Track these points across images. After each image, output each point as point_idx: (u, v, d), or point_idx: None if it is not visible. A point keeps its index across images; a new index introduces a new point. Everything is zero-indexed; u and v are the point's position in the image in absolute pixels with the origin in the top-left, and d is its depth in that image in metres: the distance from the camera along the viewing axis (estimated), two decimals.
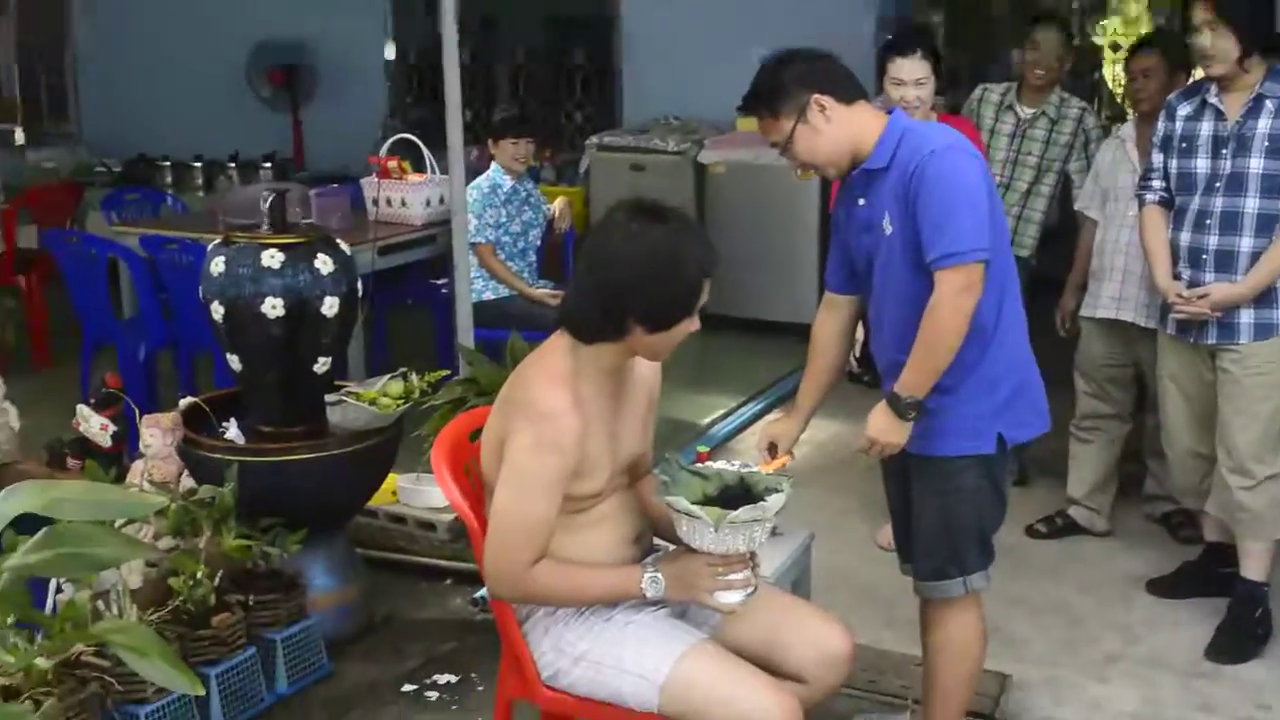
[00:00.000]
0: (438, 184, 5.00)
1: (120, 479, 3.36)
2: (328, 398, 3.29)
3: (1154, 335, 3.60)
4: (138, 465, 3.29)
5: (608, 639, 2.25)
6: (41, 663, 2.53)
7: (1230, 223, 3.18)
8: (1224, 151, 3.20)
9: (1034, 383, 2.62)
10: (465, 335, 4.05)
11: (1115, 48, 9.86)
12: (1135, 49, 4.33)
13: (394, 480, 3.79)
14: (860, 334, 2.83)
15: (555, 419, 2.14)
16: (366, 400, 3.30)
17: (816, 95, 2.43)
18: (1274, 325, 3.19)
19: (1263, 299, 3.18)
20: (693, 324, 2.22)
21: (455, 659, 3.21)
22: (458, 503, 2.40)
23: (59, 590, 2.85)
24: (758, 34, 5.41)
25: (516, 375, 2.31)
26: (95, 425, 3.59)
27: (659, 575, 2.21)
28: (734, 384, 5.45)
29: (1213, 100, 3.23)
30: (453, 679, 3.17)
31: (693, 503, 2.22)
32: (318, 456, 3.21)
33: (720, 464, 2.38)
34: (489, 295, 4.85)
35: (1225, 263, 3.19)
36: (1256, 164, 3.14)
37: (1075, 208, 4.23)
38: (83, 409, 3.64)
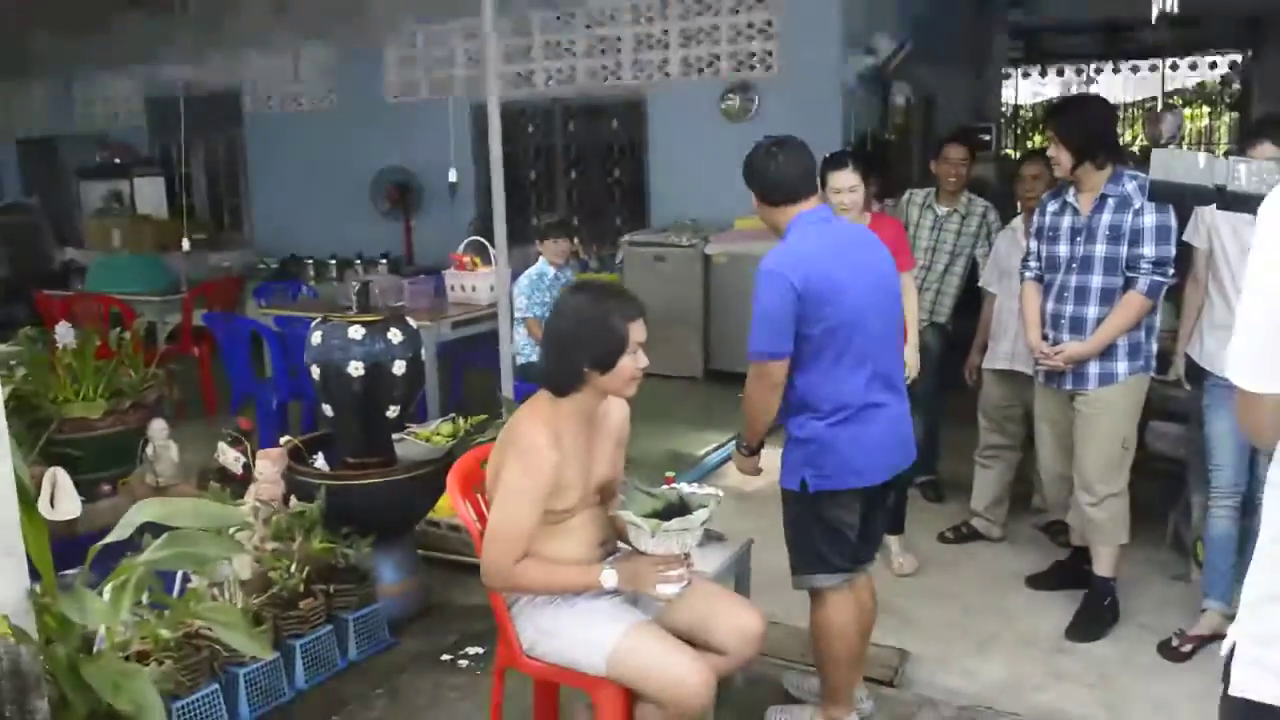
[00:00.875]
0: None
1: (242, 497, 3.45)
2: (395, 436, 3.34)
3: None
4: (253, 488, 3.38)
5: (572, 619, 2.27)
6: (164, 633, 2.63)
7: (1081, 295, 3.17)
8: (1078, 239, 3.18)
9: (844, 443, 2.43)
10: (506, 388, 4.09)
11: None
12: (1024, 158, 4.34)
13: None
14: None
15: (537, 452, 2.16)
16: (424, 437, 3.34)
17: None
18: (1115, 374, 3.17)
19: (1106, 354, 3.16)
20: (639, 360, 2.21)
21: (483, 635, 3.22)
22: (464, 515, 2.43)
23: (187, 580, 2.89)
24: None
25: (511, 420, 2.34)
26: (230, 457, 3.62)
27: (614, 571, 2.22)
28: (727, 424, 5.45)
29: (1070, 199, 3.23)
30: (480, 650, 3.19)
31: (642, 516, 2.25)
32: (385, 480, 3.26)
33: (681, 485, 2.38)
34: (534, 358, 4.91)
35: (1078, 326, 3.18)
36: (1100, 249, 3.13)
37: (979, 284, 4.21)
38: (222, 445, 3.68)
